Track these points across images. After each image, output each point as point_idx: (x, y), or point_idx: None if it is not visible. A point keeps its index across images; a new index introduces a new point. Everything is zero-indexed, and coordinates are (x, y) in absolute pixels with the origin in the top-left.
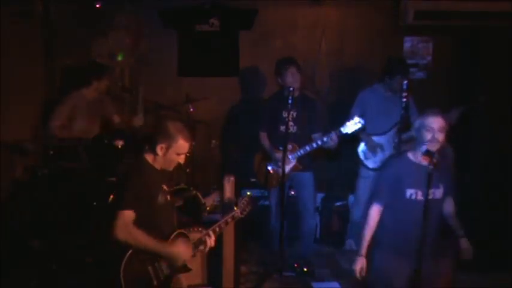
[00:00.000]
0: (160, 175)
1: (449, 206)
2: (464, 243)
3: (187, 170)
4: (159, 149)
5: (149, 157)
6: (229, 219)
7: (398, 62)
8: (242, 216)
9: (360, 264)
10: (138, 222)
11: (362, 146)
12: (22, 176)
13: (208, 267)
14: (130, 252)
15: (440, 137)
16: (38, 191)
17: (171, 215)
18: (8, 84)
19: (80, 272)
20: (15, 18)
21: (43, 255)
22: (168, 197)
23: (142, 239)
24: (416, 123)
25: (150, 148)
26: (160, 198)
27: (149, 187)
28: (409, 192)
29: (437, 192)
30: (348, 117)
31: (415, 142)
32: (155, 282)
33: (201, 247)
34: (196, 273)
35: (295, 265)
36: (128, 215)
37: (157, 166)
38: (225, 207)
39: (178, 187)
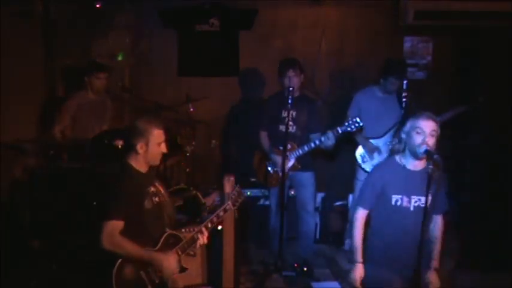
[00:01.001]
0: (145, 178)
1: (435, 227)
2: (432, 276)
3: (187, 170)
4: (140, 148)
5: (133, 161)
6: (222, 213)
7: (395, 63)
8: (234, 208)
9: (359, 271)
10: (126, 229)
11: (360, 150)
12: (22, 176)
13: (208, 267)
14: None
15: (431, 141)
16: (38, 191)
17: (161, 217)
18: (8, 84)
19: (80, 272)
20: (15, 18)
21: (43, 255)
22: (157, 199)
23: (129, 248)
24: (407, 126)
25: (132, 151)
26: (147, 203)
27: (135, 193)
28: (395, 198)
29: (424, 200)
30: (346, 118)
31: (403, 145)
32: (150, 286)
33: (194, 245)
34: (196, 273)
35: (295, 265)
36: (115, 225)
37: (143, 168)
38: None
39: (178, 187)
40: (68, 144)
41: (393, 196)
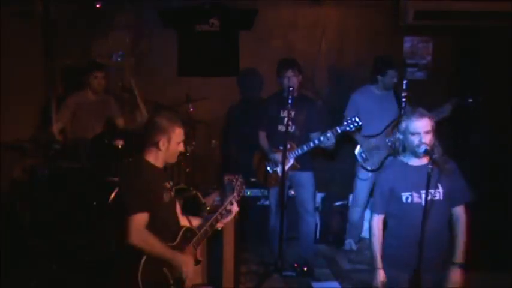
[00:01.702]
0: (162, 173)
1: (457, 221)
2: (455, 274)
3: (187, 170)
4: (162, 145)
5: (150, 157)
6: (229, 206)
7: (386, 58)
8: (238, 198)
9: (381, 278)
10: (148, 223)
11: (358, 149)
12: (22, 176)
13: (208, 267)
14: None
15: (428, 138)
16: (38, 191)
17: (176, 212)
18: (8, 84)
19: (80, 272)
20: (15, 18)
21: (43, 255)
22: (172, 194)
23: (156, 244)
24: (402, 126)
25: (151, 147)
26: (166, 197)
27: (154, 187)
28: (405, 196)
29: (437, 193)
30: (343, 119)
31: (401, 144)
32: (172, 282)
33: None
34: (197, 273)
35: (295, 265)
36: (140, 218)
37: (159, 164)
38: (224, 189)
39: (178, 187)
40: (68, 144)
41: (403, 194)
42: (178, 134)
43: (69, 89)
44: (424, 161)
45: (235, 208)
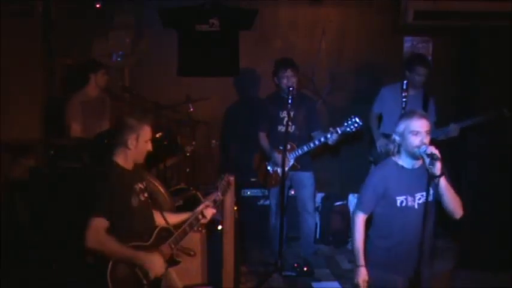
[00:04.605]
0: (132, 175)
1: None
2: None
3: (187, 170)
4: (130, 143)
5: (120, 158)
6: (211, 204)
7: (417, 55)
8: (222, 198)
9: (363, 276)
10: (114, 228)
11: (377, 145)
12: (22, 176)
13: (208, 267)
14: None
15: (427, 140)
16: (38, 191)
17: (149, 213)
18: (8, 84)
19: (80, 272)
20: (15, 18)
21: (43, 255)
22: (145, 195)
23: (113, 246)
24: (400, 127)
25: (120, 147)
26: (134, 200)
27: (121, 192)
28: (400, 199)
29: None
30: (350, 116)
31: (397, 147)
32: (145, 282)
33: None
34: (196, 273)
35: (295, 265)
36: (99, 222)
37: (129, 165)
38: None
39: (178, 187)
40: (69, 144)
41: (397, 198)
42: (146, 132)
43: (70, 89)
44: (418, 163)
45: (210, 211)
